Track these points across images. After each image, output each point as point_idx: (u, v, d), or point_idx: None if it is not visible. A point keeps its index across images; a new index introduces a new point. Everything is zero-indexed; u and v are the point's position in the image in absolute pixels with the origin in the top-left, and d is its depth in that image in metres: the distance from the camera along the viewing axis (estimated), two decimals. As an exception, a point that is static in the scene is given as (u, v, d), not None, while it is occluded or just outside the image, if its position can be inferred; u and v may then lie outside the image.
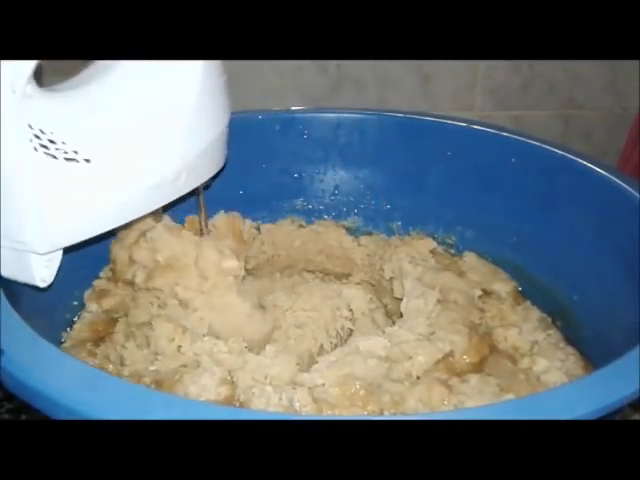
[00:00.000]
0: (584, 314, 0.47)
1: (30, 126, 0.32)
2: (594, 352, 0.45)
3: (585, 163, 0.48)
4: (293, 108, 0.62)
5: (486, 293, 0.50)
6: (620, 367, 0.29)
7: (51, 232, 0.35)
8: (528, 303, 0.50)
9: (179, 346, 0.41)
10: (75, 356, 0.41)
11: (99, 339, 0.45)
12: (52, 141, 0.33)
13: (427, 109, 0.74)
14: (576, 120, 0.79)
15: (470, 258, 0.55)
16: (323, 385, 0.38)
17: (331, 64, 0.72)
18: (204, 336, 0.42)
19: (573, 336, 0.47)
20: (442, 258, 0.55)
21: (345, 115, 0.58)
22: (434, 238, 0.56)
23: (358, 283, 0.54)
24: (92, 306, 0.48)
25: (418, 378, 0.40)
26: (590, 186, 0.47)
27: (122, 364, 0.43)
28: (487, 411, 0.27)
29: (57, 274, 0.44)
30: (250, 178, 0.57)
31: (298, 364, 0.41)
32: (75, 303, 0.48)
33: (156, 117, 0.37)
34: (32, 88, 0.33)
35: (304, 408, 0.37)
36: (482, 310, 0.48)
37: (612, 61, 0.74)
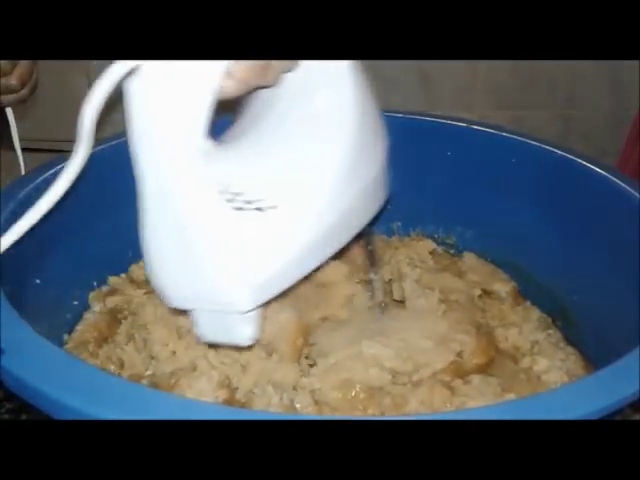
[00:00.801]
0: (584, 314, 0.47)
1: (217, 183, 0.31)
2: (594, 352, 0.45)
3: (585, 163, 0.48)
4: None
5: (486, 293, 0.50)
6: (620, 367, 0.29)
7: (252, 288, 0.33)
8: (528, 303, 0.50)
9: (173, 351, 0.41)
10: (77, 357, 0.41)
11: (102, 340, 0.45)
12: (237, 193, 0.32)
13: (427, 109, 0.74)
14: (576, 120, 0.79)
15: (470, 258, 0.55)
16: (321, 389, 0.38)
17: (331, 64, 0.72)
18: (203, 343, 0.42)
19: (573, 336, 0.47)
20: (442, 259, 0.55)
21: (345, 115, 0.58)
22: (434, 238, 0.57)
23: (358, 283, 0.53)
24: (96, 306, 0.48)
25: (420, 380, 0.40)
26: (590, 186, 0.47)
27: (121, 366, 0.43)
28: (488, 411, 0.27)
29: (57, 274, 0.45)
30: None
31: (301, 371, 0.41)
32: (76, 303, 0.48)
33: (320, 156, 0.35)
34: (207, 143, 0.32)
35: (305, 410, 0.37)
36: (483, 310, 0.48)
37: (612, 61, 0.74)
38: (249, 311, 0.33)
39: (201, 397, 0.37)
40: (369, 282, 0.48)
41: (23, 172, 0.50)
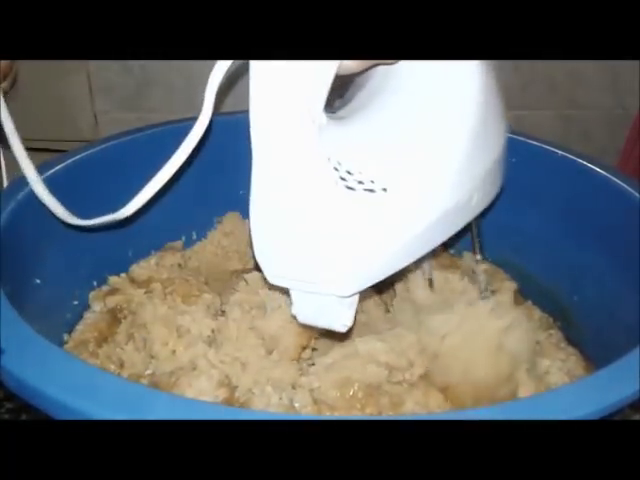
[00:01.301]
0: (584, 314, 0.47)
1: (329, 158, 0.30)
2: (594, 352, 0.45)
3: (585, 163, 0.48)
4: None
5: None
6: (620, 367, 0.29)
7: (357, 272, 0.32)
8: (529, 303, 0.50)
9: (173, 350, 0.41)
10: (77, 356, 0.41)
11: (102, 340, 0.45)
12: (350, 172, 0.31)
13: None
14: (576, 120, 0.79)
15: (470, 258, 0.55)
16: (319, 388, 0.38)
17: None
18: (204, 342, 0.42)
19: (573, 336, 0.47)
20: (441, 258, 0.55)
21: (345, 115, 0.58)
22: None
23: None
24: (97, 306, 0.48)
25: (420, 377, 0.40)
26: (590, 186, 0.47)
27: (121, 366, 0.43)
28: (488, 411, 0.27)
29: (57, 274, 0.44)
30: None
31: (299, 369, 0.41)
32: (76, 303, 0.48)
33: (443, 136, 0.33)
34: (324, 117, 0.31)
35: (304, 409, 0.37)
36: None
37: (612, 61, 0.74)
38: (349, 296, 0.32)
39: (201, 396, 0.37)
40: (472, 272, 0.46)
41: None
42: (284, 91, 0.30)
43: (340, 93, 0.38)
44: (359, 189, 0.31)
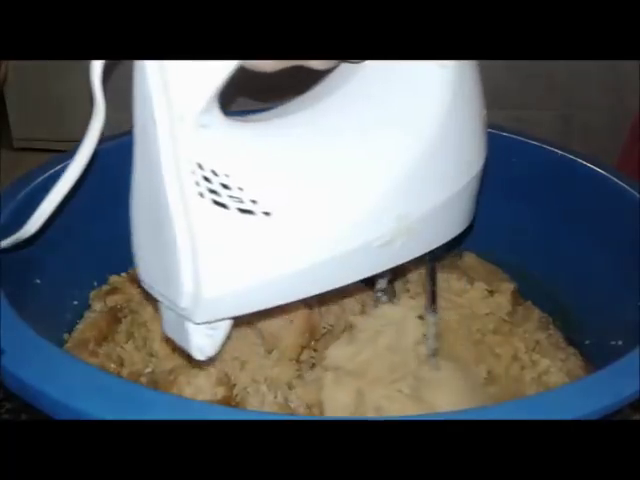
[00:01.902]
0: (584, 314, 0.47)
1: (200, 165, 0.26)
2: (594, 352, 0.45)
3: (585, 163, 0.48)
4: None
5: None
6: (620, 367, 0.29)
7: (211, 300, 0.27)
8: (528, 303, 0.50)
9: (173, 349, 0.41)
10: (77, 356, 0.41)
11: (102, 339, 0.45)
12: (226, 186, 0.26)
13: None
14: (576, 120, 0.79)
15: (470, 258, 0.55)
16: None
17: (331, 64, 0.72)
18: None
19: (573, 336, 0.47)
20: (441, 259, 0.55)
21: (345, 115, 0.58)
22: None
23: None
24: (97, 305, 0.48)
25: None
26: (590, 186, 0.47)
27: (121, 364, 0.43)
28: (487, 411, 0.27)
29: (57, 274, 0.44)
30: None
31: (298, 370, 0.41)
32: (75, 303, 0.48)
33: (365, 169, 0.29)
34: (212, 116, 0.27)
35: (299, 408, 0.37)
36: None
37: (612, 61, 0.74)
38: (205, 323, 0.28)
39: (199, 394, 0.37)
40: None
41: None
42: (153, 86, 0.26)
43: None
44: (232, 207, 0.26)
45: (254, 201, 0.27)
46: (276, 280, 0.28)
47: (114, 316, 0.47)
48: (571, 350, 0.45)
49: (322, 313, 0.46)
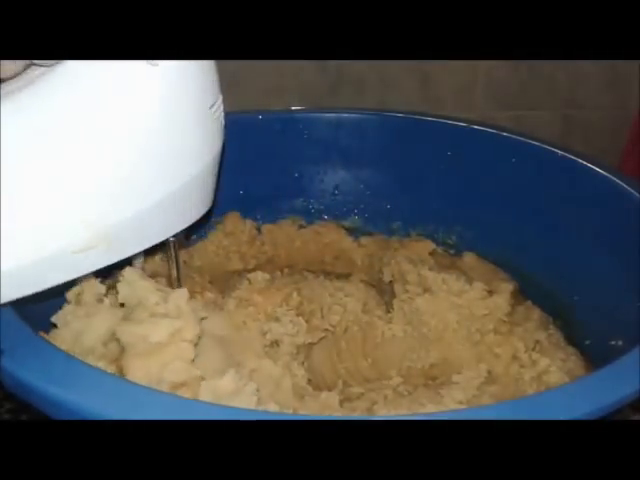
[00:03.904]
0: (584, 314, 0.47)
1: None
2: (594, 352, 0.45)
3: (585, 163, 0.48)
4: (293, 108, 0.62)
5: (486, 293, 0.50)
6: (620, 367, 0.29)
7: None
8: (529, 303, 0.50)
9: None
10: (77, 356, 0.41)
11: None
12: None
13: (427, 109, 0.74)
14: (576, 120, 0.79)
15: (470, 258, 0.55)
16: None
17: (331, 64, 0.72)
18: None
19: (573, 336, 0.47)
20: (442, 259, 0.55)
21: (345, 115, 0.58)
22: (434, 238, 0.57)
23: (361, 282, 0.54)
24: None
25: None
26: (590, 186, 0.47)
27: None
28: (488, 411, 0.27)
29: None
30: (250, 178, 0.57)
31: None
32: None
33: (57, 163, 0.28)
34: None
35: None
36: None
37: (612, 61, 0.74)
38: None
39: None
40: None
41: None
42: None
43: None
44: None
45: None
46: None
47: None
48: (571, 350, 0.45)
49: (324, 314, 0.47)
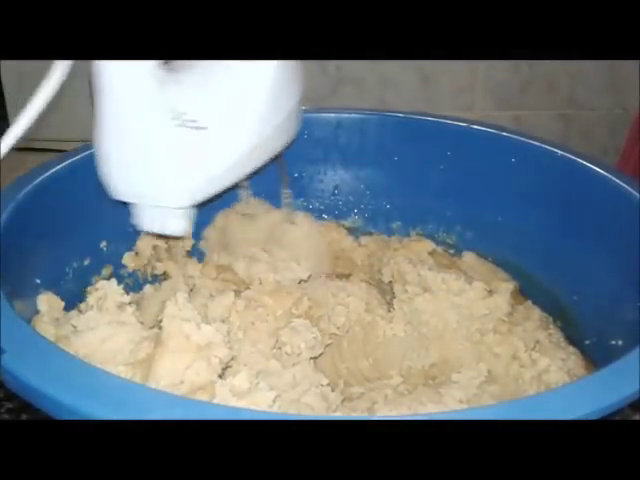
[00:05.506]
0: (584, 314, 0.47)
1: (167, 104, 0.39)
2: (594, 352, 0.45)
3: (585, 163, 0.48)
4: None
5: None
6: (620, 367, 0.29)
7: (187, 190, 0.40)
8: (529, 303, 0.50)
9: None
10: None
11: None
12: (182, 113, 0.39)
13: (427, 109, 0.74)
14: (576, 120, 0.79)
15: (470, 258, 0.55)
16: None
17: (331, 64, 0.72)
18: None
19: (573, 336, 0.47)
20: (441, 259, 0.55)
21: (345, 115, 0.58)
22: (434, 238, 0.57)
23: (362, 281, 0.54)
24: None
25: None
26: (590, 186, 0.47)
27: None
28: (488, 411, 0.27)
29: (57, 274, 0.45)
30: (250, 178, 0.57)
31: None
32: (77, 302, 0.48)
33: (246, 92, 0.41)
34: (163, 73, 0.39)
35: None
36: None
37: (612, 61, 0.74)
38: (183, 208, 0.42)
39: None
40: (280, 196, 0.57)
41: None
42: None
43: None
44: (188, 126, 0.39)
45: (196, 120, 0.39)
46: (220, 170, 0.41)
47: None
48: (571, 349, 0.45)
49: (330, 315, 0.47)
